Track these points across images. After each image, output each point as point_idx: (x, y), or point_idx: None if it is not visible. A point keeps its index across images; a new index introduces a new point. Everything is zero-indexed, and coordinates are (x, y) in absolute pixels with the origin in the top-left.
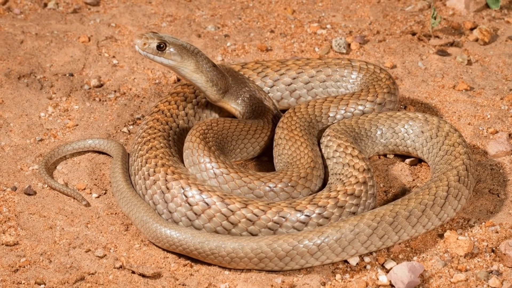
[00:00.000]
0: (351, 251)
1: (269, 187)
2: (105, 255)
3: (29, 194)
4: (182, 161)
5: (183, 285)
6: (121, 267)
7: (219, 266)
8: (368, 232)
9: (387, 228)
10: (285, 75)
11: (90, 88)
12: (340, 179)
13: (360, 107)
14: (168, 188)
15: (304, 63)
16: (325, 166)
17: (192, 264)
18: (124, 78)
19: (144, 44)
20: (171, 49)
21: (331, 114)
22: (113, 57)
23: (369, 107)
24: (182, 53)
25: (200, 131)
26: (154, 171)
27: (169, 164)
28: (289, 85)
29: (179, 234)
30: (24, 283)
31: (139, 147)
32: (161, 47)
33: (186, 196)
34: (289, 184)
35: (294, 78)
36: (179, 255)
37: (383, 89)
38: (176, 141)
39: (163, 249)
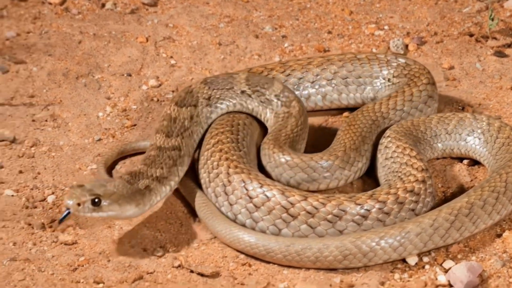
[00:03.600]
0: (431, 245)
1: (322, 164)
2: (164, 254)
3: None
4: (248, 156)
5: (241, 284)
6: (179, 266)
7: (278, 266)
8: (446, 226)
9: (464, 220)
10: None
11: (148, 88)
12: (399, 177)
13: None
14: (229, 181)
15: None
16: (382, 166)
17: (251, 263)
18: (182, 78)
19: (78, 205)
20: (107, 201)
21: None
22: (171, 57)
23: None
24: (120, 201)
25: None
26: (218, 165)
27: (232, 159)
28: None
29: (263, 239)
30: (83, 282)
31: (207, 142)
32: (96, 203)
33: (246, 189)
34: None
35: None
36: (238, 255)
37: (423, 81)
38: (244, 135)
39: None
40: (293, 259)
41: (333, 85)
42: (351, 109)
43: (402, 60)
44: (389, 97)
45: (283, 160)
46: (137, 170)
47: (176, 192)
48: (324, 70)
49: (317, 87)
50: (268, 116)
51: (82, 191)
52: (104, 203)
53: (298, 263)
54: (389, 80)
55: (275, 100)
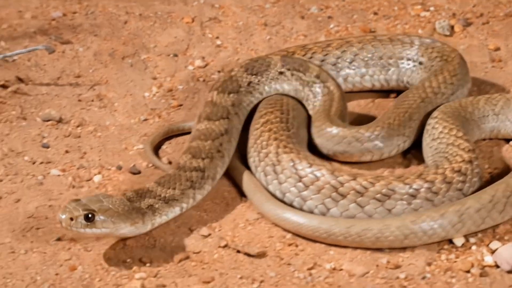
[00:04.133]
0: (489, 222)
1: (368, 135)
2: (210, 234)
3: (134, 173)
4: (297, 136)
5: (288, 264)
6: (226, 246)
7: (325, 245)
8: (504, 201)
9: None
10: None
11: (194, 69)
12: (446, 157)
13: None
14: (279, 161)
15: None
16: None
17: (297, 243)
18: (227, 59)
19: (71, 219)
20: (101, 217)
21: None
22: (217, 37)
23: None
24: (114, 218)
25: None
26: (267, 144)
27: (281, 139)
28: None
29: (324, 222)
30: (129, 262)
31: (255, 121)
32: (89, 218)
33: (296, 169)
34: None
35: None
36: (284, 235)
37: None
38: (293, 116)
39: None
40: (354, 240)
41: (356, 66)
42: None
43: (428, 41)
44: (430, 79)
45: (333, 132)
46: (145, 188)
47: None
48: (361, 51)
49: (354, 68)
50: (308, 96)
51: (77, 205)
52: (97, 219)
53: (358, 243)
54: (416, 61)
55: (314, 81)
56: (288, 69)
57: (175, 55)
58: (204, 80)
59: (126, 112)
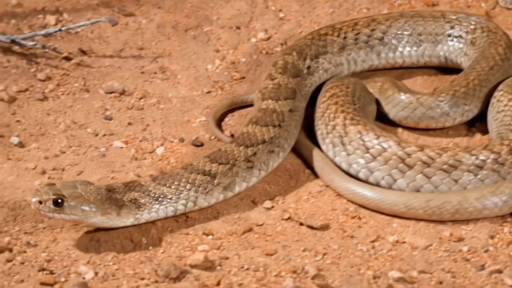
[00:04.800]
0: None
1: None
2: (273, 206)
3: (196, 146)
4: (362, 111)
5: (351, 237)
6: (289, 218)
7: (388, 218)
8: None
9: None
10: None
11: (256, 41)
12: (511, 130)
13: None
14: (346, 133)
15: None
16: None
17: (360, 216)
18: (291, 31)
19: (40, 203)
20: (70, 203)
21: None
22: (280, 10)
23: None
24: (84, 205)
25: None
26: (334, 117)
27: (348, 111)
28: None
29: (405, 196)
30: (191, 234)
31: (322, 95)
32: (58, 203)
33: (363, 140)
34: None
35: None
36: (348, 207)
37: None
38: (359, 91)
39: (333, 202)
40: (434, 213)
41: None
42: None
43: (474, 18)
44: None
45: (400, 97)
46: (137, 182)
47: None
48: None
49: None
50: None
51: (48, 189)
52: (66, 204)
53: (438, 216)
54: (462, 38)
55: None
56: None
57: (238, 28)
58: (267, 53)
59: (189, 85)
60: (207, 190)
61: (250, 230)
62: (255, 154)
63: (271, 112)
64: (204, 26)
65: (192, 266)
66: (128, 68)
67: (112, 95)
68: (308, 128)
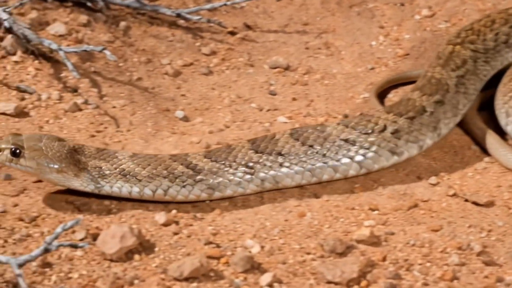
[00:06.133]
0: None
1: None
2: (438, 182)
3: None
4: None
5: None
6: (454, 195)
7: None
8: None
9: None
10: None
11: (420, 18)
12: None
13: None
14: None
15: None
16: None
17: None
18: (454, 9)
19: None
20: (27, 155)
21: None
22: None
23: None
24: (40, 159)
25: None
26: None
27: None
28: None
29: None
30: (357, 209)
31: (508, 73)
32: (16, 153)
33: None
34: None
35: None
36: None
37: None
38: None
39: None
40: None
41: None
42: None
43: None
44: None
45: None
46: (112, 152)
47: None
48: None
49: None
50: None
51: (11, 139)
52: (23, 156)
53: None
54: None
55: None
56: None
57: (402, 4)
58: (430, 30)
59: (352, 61)
60: (191, 183)
61: (416, 206)
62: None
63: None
64: (369, 2)
65: (358, 241)
66: (293, 43)
67: (277, 70)
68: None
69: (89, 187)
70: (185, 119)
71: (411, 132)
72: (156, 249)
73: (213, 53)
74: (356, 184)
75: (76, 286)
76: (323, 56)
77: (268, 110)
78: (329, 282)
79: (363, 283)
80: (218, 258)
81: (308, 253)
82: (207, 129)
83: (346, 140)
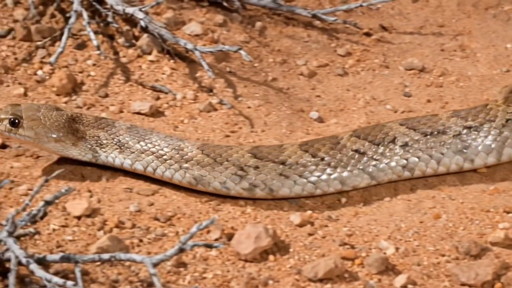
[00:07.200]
0: None
1: None
2: None
3: None
4: None
5: None
6: None
7: None
8: None
9: None
10: None
11: None
12: None
13: None
14: None
15: None
16: None
17: None
18: None
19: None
20: (25, 125)
21: None
22: None
23: None
24: (38, 129)
25: None
26: None
27: None
28: None
29: None
30: (492, 211)
31: None
32: (14, 123)
33: None
34: None
35: None
36: None
37: None
38: None
39: None
40: None
41: None
42: None
43: None
44: None
45: None
46: (111, 122)
47: None
48: None
49: None
50: None
51: (11, 109)
52: (22, 125)
53: None
54: None
55: None
56: None
57: None
58: None
59: (488, 63)
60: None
61: None
62: None
63: None
64: (504, 5)
65: (493, 244)
66: (428, 45)
67: (412, 71)
68: None
69: (87, 157)
70: (320, 120)
71: None
72: (291, 249)
73: (349, 54)
74: (491, 186)
75: (211, 286)
76: (458, 58)
77: (403, 111)
78: (463, 284)
79: (497, 285)
80: (352, 259)
81: (443, 255)
82: (341, 130)
83: None
